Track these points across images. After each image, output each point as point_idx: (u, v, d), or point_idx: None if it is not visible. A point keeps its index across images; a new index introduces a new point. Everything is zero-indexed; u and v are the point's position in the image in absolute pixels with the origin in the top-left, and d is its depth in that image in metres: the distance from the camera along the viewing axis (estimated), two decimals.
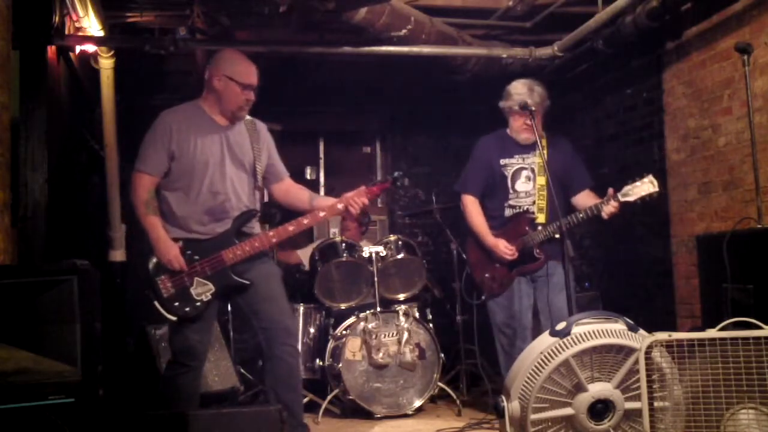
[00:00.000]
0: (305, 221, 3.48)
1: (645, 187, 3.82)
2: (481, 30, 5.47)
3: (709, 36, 4.59)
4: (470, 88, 6.07)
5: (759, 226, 3.47)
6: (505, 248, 4.10)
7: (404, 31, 4.78)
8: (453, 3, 5.15)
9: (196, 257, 3.36)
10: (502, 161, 4.23)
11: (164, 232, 3.36)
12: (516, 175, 4.21)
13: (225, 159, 3.45)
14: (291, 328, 3.55)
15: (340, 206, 3.49)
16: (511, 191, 4.20)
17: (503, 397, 3.14)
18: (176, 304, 3.32)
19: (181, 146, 3.40)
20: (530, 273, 4.13)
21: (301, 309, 5.11)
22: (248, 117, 3.58)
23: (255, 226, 3.55)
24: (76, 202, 5.06)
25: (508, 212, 4.21)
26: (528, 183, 4.18)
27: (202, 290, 3.35)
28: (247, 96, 3.47)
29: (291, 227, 3.47)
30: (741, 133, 4.31)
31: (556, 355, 3.00)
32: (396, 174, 3.72)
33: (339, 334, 4.88)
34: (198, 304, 3.34)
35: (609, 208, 3.88)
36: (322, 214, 3.50)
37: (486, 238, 4.17)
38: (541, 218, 4.12)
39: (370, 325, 4.70)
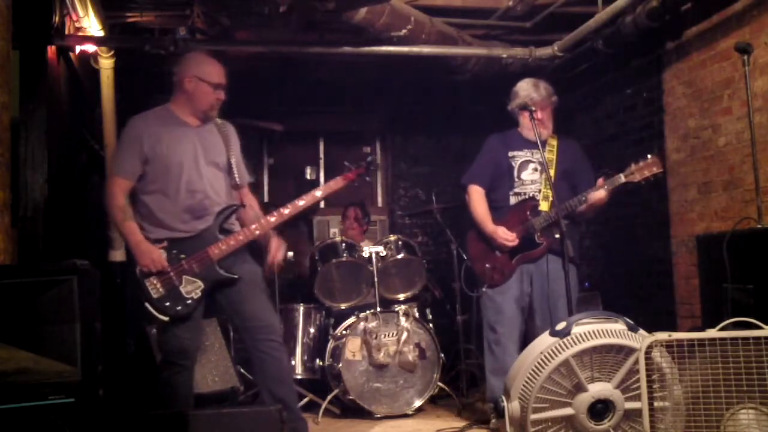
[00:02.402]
0: (285, 211, 3.52)
1: (649, 167, 3.88)
2: (481, 30, 5.47)
3: (709, 36, 4.59)
4: (470, 88, 6.07)
5: (759, 226, 3.47)
6: (504, 234, 4.09)
7: (404, 31, 4.78)
8: (453, 3, 5.15)
9: (182, 256, 3.38)
10: (510, 153, 4.24)
11: (142, 236, 3.37)
12: (523, 166, 4.21)
13: (199, 158, 3.48)
14: (274, 325, 3.56)
15: (318, 193, 3.58)
16: (516, 180, 4.20)
17: (503, 397, 3.14)
18: (167, 303, 3.34)
19: (153, 149, 3.42)
20: (532, 260, 4.10)
21: (301, 309, 5.12)
22: (218, 119, 3.61)
23: (235, 224, 3.58)
24: (76, 202, 5.05)
25: (513, 200, 4.20)
26: (535, 173, 4.18)
27: (192, 288, 3.37)
28: (218, 95, 3.51)
29: (272, 218, 3.51)
30: (741, 133, 4.31)
31: (556, 355, 3.00)
32: (369, 158, 3.79)
33: (339, 334, 4.89)
34: (189, 302, 3.36)
35: (596, 194, 3.92)
36: (301, 203, 3.55)
37: (486, 225, 4.16)
38: (544, 206, 4.11)
39: (370, 325, 4.70)
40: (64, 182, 4.66)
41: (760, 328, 2.55)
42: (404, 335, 4.72)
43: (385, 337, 4.71)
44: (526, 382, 3.04)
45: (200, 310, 3.46)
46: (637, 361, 2.68)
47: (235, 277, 3.43)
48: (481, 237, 4.22)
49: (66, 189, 4.73)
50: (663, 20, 4.63)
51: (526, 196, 4.17)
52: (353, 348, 4.68)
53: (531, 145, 4.14)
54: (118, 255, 5.34)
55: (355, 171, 3.70)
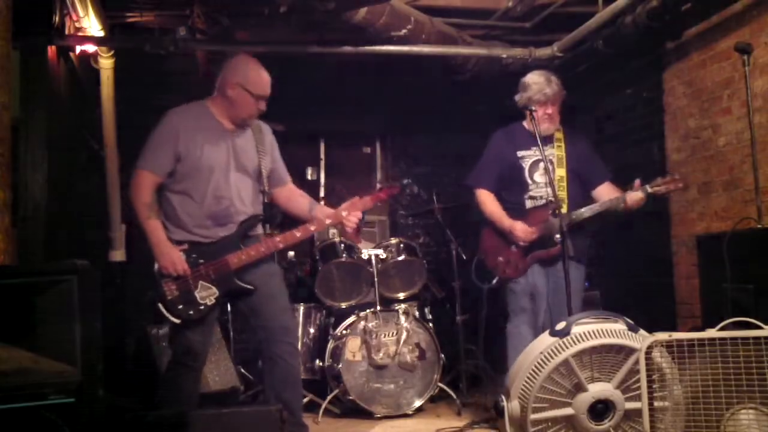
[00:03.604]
0: (312, 228, 3.51)
1: (673, 183, 3.91)
2: (481, 30, 5.47)
3: (709, 36, 4.59)
4: (470, 88, 6.06)
5: (759, 226, 3.47)
6: (522, 227, 4.05)
7: (404, 31, 4.77)
8: (453, 3, 5.15)
9: (201, 261, 3.35)
10: (519, 153, 4.17)
11: (165, 236, 3.33)
12: (534, 166, 4.15)
13: (230, 165, 3.44)
14: (290, 327, 3.56)
15: (344, 213, 3.54)
16: (530, 182, 4.14)
17: (503, 397, 3.14)
18: (180, 306, 3.30)
19: (187, 148, 3.37)
20: (545, 260, 4.08)
21: (301, 309, 5.11)
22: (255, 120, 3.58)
23: (258, 229, 3.55)
24: (76, 202, 5.06)
25: (529, 204, 4.14)
26: (546, 175, 4.08)
27: (206, 294, 3.33)
28: (259, 106, 3.47)
29: (298, 233, 3.47)
30: (741, 133, 4.31)
31: (556, 355, 3.00)
32: (405, 181, 3.76)
33: (339, 333, 4.88)
34: (202, 307, 3.33)
35: (635, 195, 3.91)
36: (328, 221, 3.54)
37: (503, 221, 4.12)
38: (563, 209, 4.05)
39: (370, 324, 4.70)
40: (64, 182, 4.66)
41: (760, 328, 2.55)
42: (404, 335, 4.72)
43: (384, 336, 4.71)
44: (526, 381, 3.04)
45: (214, 315, 3.44)
46: (637, 362, 2.68)
47: (251, 288, 3.40)
48: (497, 233, 4.19)
49: (66, 189, 4.73)
50: (663, 20, 4.62)
51: (544, 200, 4.11)
52: (353, 348, 4.67)
53: (537, 142, 4.02)
54: (117, 255, 5.35)
55: (387, 190, 3.69)
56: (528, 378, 3.04)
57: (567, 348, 3.00)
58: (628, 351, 2.97)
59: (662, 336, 2.58)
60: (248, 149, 3.51)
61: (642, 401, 2.62)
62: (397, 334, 4.72)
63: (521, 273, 4.12)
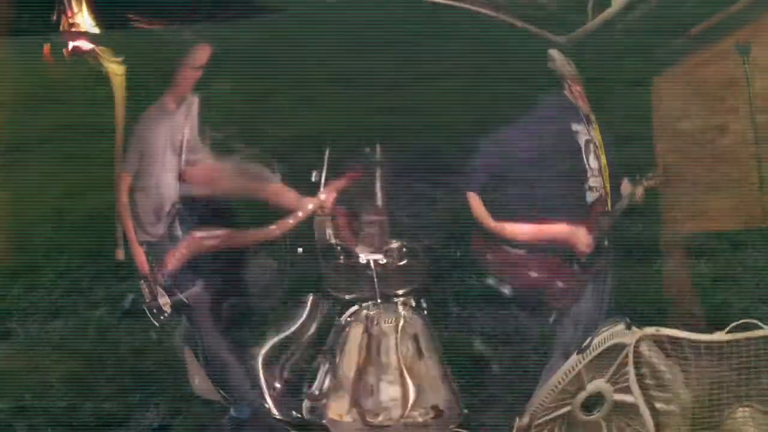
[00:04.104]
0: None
1: (657, 177, 3.77)
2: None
3: (709, 35, 4.58)
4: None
5: (764, 225, 3.46)
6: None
7: None
8: None
9: (153, 264, 3.07)
10: (574, 126, 3.23)
11: (135, 236, 3.05)
12: (587, 146, 3.26)
13: (167, 147, 3.13)
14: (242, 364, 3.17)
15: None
16: (588, 167, 3.21)
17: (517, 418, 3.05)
18: (154, 311, 3.01)
19: (146, 141, 3.12)
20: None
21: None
22: None
23: (177, 225, 3.15)
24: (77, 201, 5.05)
25: (590, 197, 3.23)
26: (596, 161, 3.24)
27: (164, 301, 3.01)
28: (196, 75, 3.18)
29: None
30: (740, 133, 4.29)
31: (573, 370, 2.91)
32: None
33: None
34: (166, 315, 3.02)
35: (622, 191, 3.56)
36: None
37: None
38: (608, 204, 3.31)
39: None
40: (66, 181, 4.66)
41: (760, 328, 2.54)
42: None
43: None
44: (544, 399, 2.92)
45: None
46: (626, 355, 2.67)
47: (185, 301, 3.05)
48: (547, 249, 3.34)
49: (69, 189, 4.73)
50: (661, 19, 4.61)
51: (599, 193, 3.29)
52: (339, 410, 3.03)
53: (583, 118, 3.29)
54: (119, 254, 5.32)
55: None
56: (546, 396, 2.91)
57: (582, 361, 2.92)
58: (620, 347, 2.89)
59: (650, 330, 2.59)
60: (179, 125, 3.14)
61: (634, 395, 2.61)
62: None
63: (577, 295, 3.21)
